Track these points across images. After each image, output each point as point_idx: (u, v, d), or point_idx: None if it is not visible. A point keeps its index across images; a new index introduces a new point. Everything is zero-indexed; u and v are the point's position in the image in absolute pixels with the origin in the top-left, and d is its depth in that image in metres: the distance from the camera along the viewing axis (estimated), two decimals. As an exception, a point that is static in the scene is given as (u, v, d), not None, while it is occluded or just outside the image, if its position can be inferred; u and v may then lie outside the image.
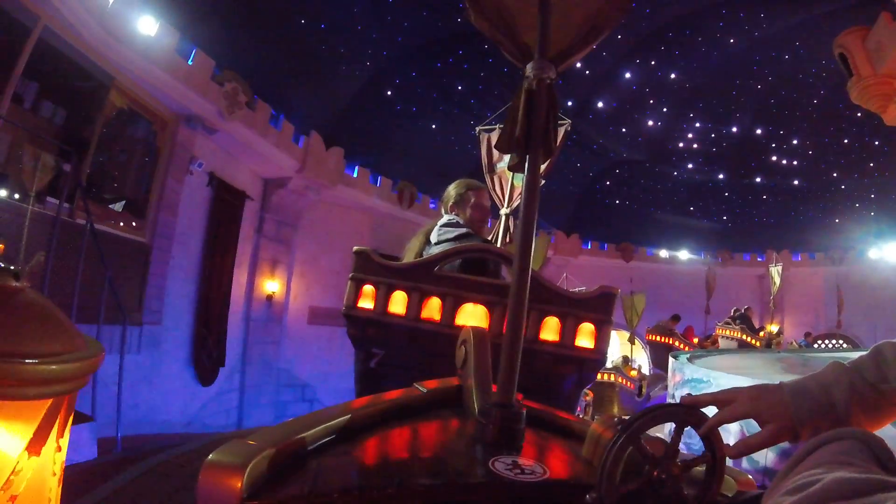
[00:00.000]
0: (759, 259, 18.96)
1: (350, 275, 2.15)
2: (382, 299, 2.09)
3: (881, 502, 0.39)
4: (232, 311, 10.08)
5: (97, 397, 5.02)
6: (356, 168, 12.81)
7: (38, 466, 0.67)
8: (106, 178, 7.36)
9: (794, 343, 12.54)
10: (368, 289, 2.13)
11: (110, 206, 7.36)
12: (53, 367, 0.66)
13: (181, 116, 8.29)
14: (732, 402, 0.78)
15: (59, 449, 0.72)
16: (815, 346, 12.99)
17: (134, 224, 7.67)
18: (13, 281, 0.69)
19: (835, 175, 22.80)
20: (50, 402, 0.68)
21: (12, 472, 0.64)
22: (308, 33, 17.80)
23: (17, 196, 5.69)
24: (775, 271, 11.86)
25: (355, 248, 2.20)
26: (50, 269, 5.23)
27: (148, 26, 7.16)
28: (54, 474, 0.72)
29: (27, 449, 0.66)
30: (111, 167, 7.46)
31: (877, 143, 20.26)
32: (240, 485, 0.67)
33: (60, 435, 0.72)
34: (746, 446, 0.76)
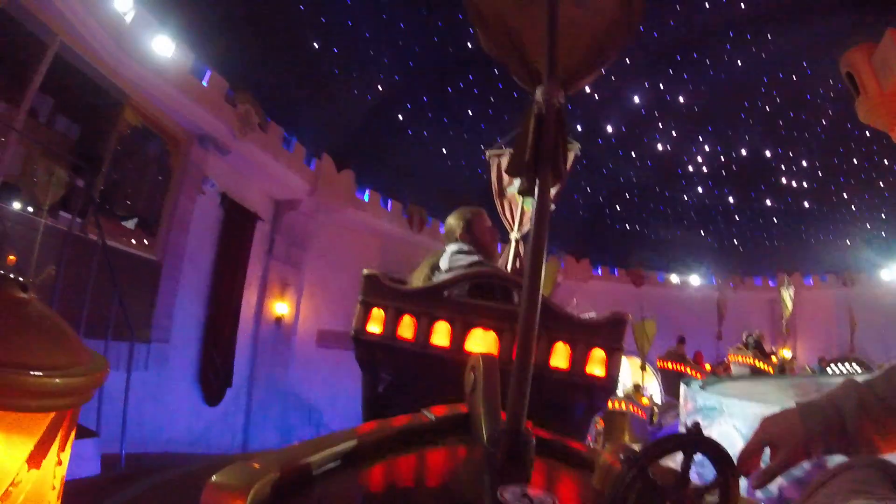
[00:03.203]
0: (770, 283, 18.78)
1: (359, 298, 2.15)
2: (391, 323, 2.08)
3: None
4: (240, 332, 10.09)
5: (102, 413, 5.01)
6: (367, 191, 12.89)
7: (37, 480, 0.67)
8: (119, 194, 7.45)
9: (808, 368, 12.33)
10: (377, 312, 2.12)
11: (122, 222, 7.44)
12: (57, 380, 0.66)
13: (194, 136, 8.41)
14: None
15: (60, 463, 0.71)
16: (829, 370, 12.78)
17: (145, 241, 7.73)
18: (21, 292, 0.69)
19: (845, 196, 22.64)
20: (53, 415, 0.68)
21: (11, 484, 0.63)
22: (321, 57, 18.10)
23: (30, 209, 5.77)
24: (787, 295, 11.73)
25: (365, 271, 2.20)
26: (60, 283, 5.27)
27: (163, 46, 7.31)
28: (54, 488, 0.71)
29: (27, 461, 0.65)
30: (124, 184, 7.55)
31: (886, 162, 20.13)
32: (243, 509, 0.66)
33: (62, 449, 0.71)
34: (766, 475, 0.76)
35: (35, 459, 0.66)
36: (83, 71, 6.52)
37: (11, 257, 4.99)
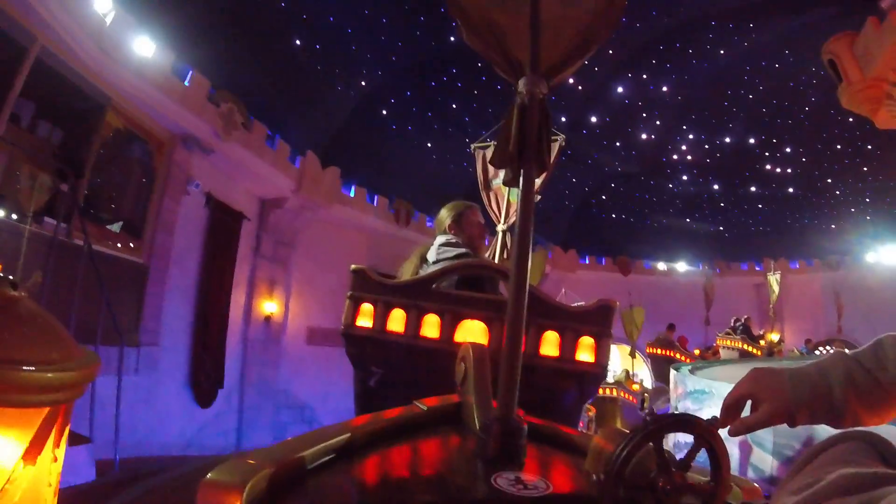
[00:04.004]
0: (756, 268, 18.98)
1: (348, 293, 2.15)
2: (381, 317, 2.08)
3: (887, 495, 0.39)
4: (230, 332, 10.03)
5: (95, 419, 4.98)
6: (352, 187, 12.85)
7: (33, 476, 0.67)
8: (103, 198, 7.37)
9: (795, 351, 12.52)
10: (367, 307, 2.13)
11: (108, 226, 7.36)
12: (50, 374, 0.66)
13: (178, 137, 8.33)
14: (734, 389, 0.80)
15: (56, 459, 0.72)
16: (817, 352, 12.97)
17: (131, 245, 7.66)
18: (11, 290, 0.69)
19: (829, 181, 22.90)
20: (47, 410, 0.68)
21: (7, 481, 0.64)
22: (303, 54, 17.97)
23: (14, 216, 5.69)
24: (773, 279, 11.88)
25: (353, 266, 2.20)
26: (47, 289, 5.21)
27: (144, 47, 7.21)
28: (50, 485, 0.71)
29: (23, 458, 0.66)
30: (108, 188, 7.47)
31: (869, 147, 20.35)
32: (239, 504, 0.66)
33: (56, 445, 0.71)
34: (744, 425, 0.78)
35: (30, 456, 0.66)
36: (64, 75, 6.42)
37: (-4, 264, 4.93)
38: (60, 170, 6.19)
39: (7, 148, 5.74)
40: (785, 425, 0.77)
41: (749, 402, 0.80)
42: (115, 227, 7.48)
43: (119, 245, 7.45)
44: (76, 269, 5.56)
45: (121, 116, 7.37)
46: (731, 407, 0.80)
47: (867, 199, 21.93)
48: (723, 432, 0.77)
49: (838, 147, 21.87)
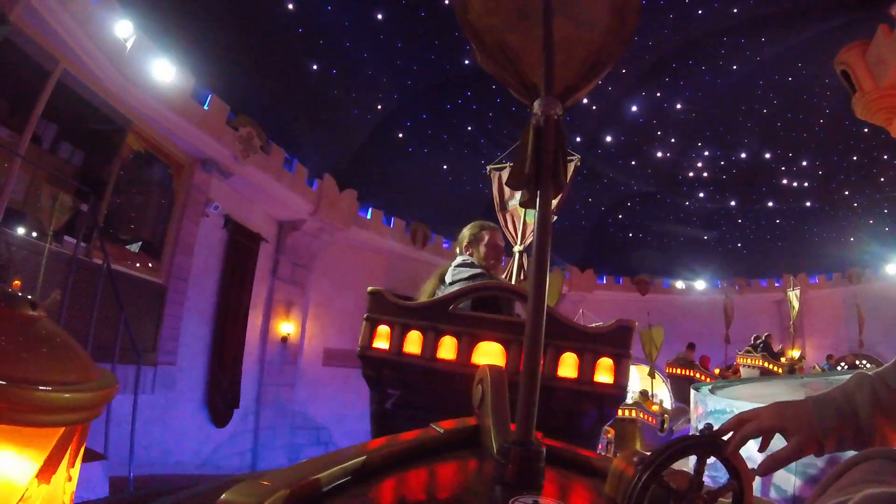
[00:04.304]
0: (776, 284, 18.69)
1: (365, 315, 2.15)
2: (397, 339, 2.08)
3: None
4: (247, 353, 10.08)
5: (110, 436, 5.01)
6: (370, 210, 12.95)
7: (47, 495, 0.67)
8: (123, 218, 7.49)
9: (817, 367, 12.24)
10: (383, 329, 2.13)
11: (127, 246, 7.47)
12: (67, 395, 0.66)
13: (197, 160, 8.47)
14: (755, 419, 0.78)
15: (70, 479, 0.72)
16: (839, 368, 12.67)
17: (150, 265, 7.76)
18: (30, 310, 0.70)
19: (846, 193, 22.59)
20: (62, 430, 0.68)
21: (21, 499, 0.64)
22: (320, 78, 18.29)
23: (34, 234, 5.80)
24: (793, 295, 11.67)
25: (370, 288, 2.21)
26: (66, 308, 5.28)
27: (164, 71, 7.37)
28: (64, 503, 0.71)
29: (37, 476, 0.66)
30: (128, 208, 7.59)
31: (885, 157, 20.06)
32: (254, 527, 0.66)
33: (71, 465, 0.71)
34: (774, 461, 0.75)
35: (45, 475, 0.66)
36: (85, 97, 6.58)
37: (17, 282, 5.01)
38: (81, 190, 6.31)
39: (29, 168, 5.88)
40: None
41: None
42: (135, 248, 7.59)
43: (138, 265, 7.55)
44: (95, 288, 5.64)
45: (141, 139, 7.53)
46: (750, 437, 0.78)
47: (885, 210, 21.57)
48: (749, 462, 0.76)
49: (854, 158, 21.62)
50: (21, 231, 5.66)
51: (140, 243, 7.69)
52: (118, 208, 7.35)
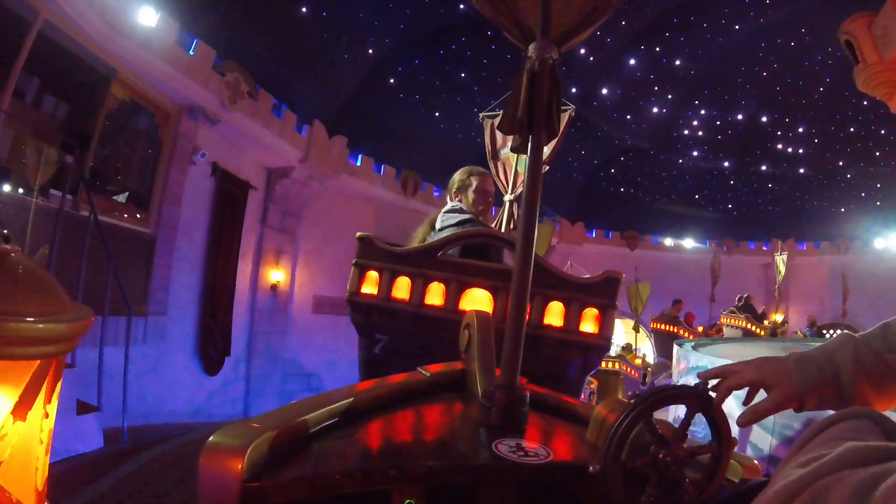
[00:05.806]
0: (764, 247, 18.87)
1: (353, 261, 2.15)
2: (386, 285, 2.08)
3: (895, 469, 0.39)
4: (237, 302, 10.11)
5: (103, 388, 5.04)
6: (360, 157, 12.78)
7: (23, 432, 0.65)
8: (109, 170, 7.35)
9: (799, 332, 12.50)
10: (372, 275, 2.13)
11: (114, 197, 7.36)
12: (41, 325, 0.65)
13: (183, 108, 8.26)
14: (739, 373, 0.79)
15: (47, 416, 0.70)
16: (826, 335, 12.95)
17: (138, 216, 7.67)
18: (3, 244, 0.68)
19: (841, 164, 22.59)
20: (37, 363, 0.66)
21: None
22: (309, 22, 17.69)
23: (20, 190, 5.70)
24: (780, 260, 11.79)
25: (359, 234, 2.20)
26: (54, 262, 5.24)
27: (148, 18, 7.09)
28: (41, 442, 0.69)
29: (12, 413, 0.64)
30: (114, 159, 7.44)
31: (883, 131, 20.01)
32: (240, 467, 0.66)
33: (48, 401, 0.69)
34: (755, 413, 0.77)
35: (20, 411, 0.65)
36: (68, 48, 6.33)
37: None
38: (66, 143, 6.17)
39: (13, 123, 5.72)
40: None
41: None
42: (122, 199, 7.48)
43: (126, 216, 7.46)
44: (83, 241, 5.57)
45: (126, 88, 7.31)
46: (733, 389, 0.79)
47: (878, 185, 21.66)
48: (731, 420, 0.77)
49: (851, 130, 21.53)
50: (6, 187, 5.55)
51: (127, 194, 7.56)
52: (104, 160, 7.20)
